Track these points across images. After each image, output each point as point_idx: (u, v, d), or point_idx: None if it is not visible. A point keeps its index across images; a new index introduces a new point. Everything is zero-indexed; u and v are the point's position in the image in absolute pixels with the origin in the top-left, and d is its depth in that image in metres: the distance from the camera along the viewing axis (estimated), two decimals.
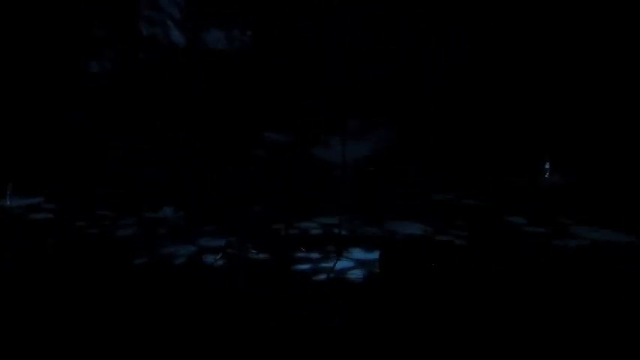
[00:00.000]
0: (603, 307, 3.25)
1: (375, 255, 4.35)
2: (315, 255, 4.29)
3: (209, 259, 3.99)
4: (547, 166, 5.92)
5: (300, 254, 4.22)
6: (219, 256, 4.06)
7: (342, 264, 4.17)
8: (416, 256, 4.12)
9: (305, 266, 4.04)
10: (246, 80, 6.46)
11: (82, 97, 6.30)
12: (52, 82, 6.20)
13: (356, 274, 3.93)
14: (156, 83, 6.45)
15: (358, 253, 4.39)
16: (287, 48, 6.40)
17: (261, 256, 4.12)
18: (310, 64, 6.42)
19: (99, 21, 6.35)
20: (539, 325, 3.03)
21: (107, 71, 6.37)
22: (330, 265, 4.13)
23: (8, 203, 5.12)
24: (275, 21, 6.45)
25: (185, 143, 6.31)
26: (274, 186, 5.89)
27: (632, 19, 5.93)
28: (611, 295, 3.43)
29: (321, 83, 6.33)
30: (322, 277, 3.86)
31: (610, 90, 6.04)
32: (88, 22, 6.34)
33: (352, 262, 4.21)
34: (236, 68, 6.49)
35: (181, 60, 6.47)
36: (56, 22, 6.20)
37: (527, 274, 3.81)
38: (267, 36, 6.44)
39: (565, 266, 3.99)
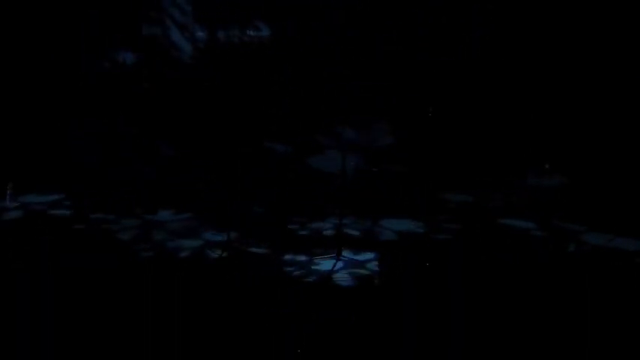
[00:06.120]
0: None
1: (366, 256, 4.43)
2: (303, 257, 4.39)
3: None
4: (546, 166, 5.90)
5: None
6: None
7: (338, 264, 4.23)
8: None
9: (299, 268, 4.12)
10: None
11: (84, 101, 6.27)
12: (52, 84, 6.15)
13: (348, 275, 3.98)
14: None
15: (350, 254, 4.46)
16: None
17: None
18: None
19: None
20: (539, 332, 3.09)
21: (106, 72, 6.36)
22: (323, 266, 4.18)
23: (8, 204, 5.14)
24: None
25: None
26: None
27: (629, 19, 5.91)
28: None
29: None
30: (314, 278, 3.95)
31: (602, 89, 6.03)
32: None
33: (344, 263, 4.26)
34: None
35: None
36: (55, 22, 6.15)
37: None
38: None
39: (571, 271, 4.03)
